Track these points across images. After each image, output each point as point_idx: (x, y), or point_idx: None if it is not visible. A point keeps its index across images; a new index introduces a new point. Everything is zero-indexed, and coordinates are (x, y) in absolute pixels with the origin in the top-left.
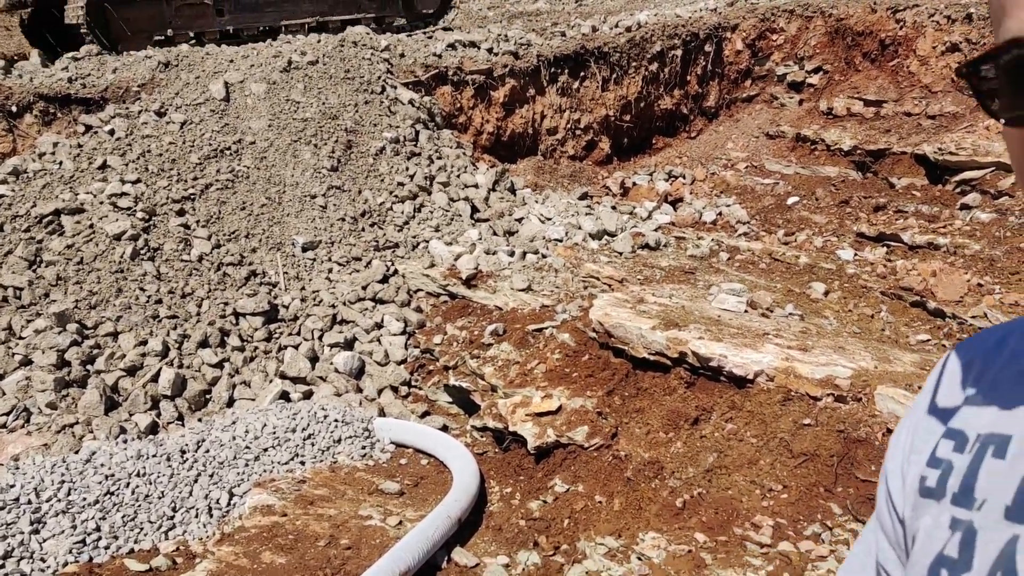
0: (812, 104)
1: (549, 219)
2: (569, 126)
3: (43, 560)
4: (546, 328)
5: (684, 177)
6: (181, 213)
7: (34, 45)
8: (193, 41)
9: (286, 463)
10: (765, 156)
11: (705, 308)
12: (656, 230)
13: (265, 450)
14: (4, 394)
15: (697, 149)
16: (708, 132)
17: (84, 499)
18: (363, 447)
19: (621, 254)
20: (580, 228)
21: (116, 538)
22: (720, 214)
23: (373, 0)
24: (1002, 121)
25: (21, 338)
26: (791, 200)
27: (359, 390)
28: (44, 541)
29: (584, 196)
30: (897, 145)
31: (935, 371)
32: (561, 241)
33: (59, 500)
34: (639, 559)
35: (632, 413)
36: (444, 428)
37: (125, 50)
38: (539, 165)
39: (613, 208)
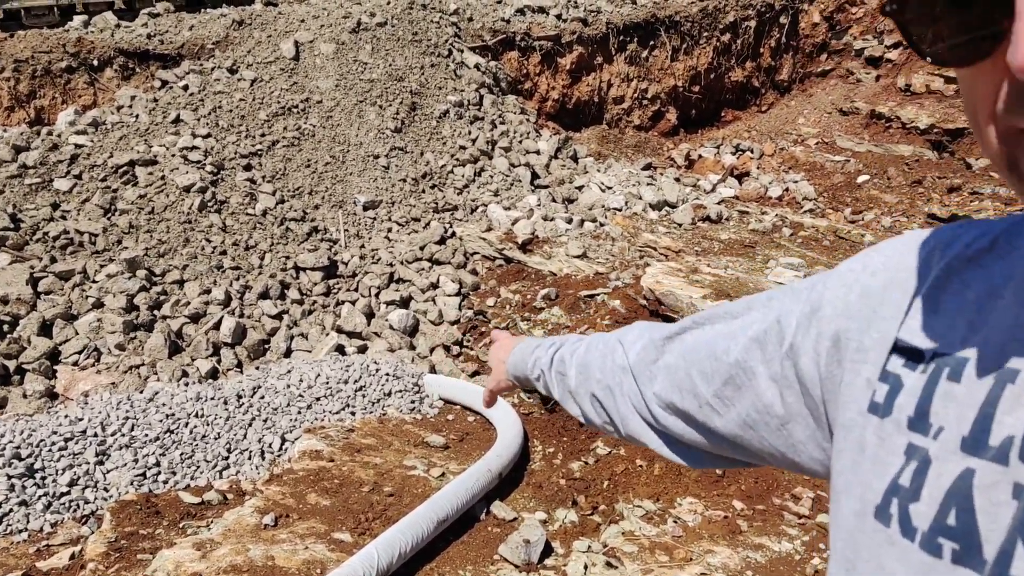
0: (889, 80)
1: (609, 188)
2: (636, 95)
3: (106, 490)
4: (598, 295)
5: (752, 151)
6: (248, 168)
7: None
8: None
9: (337, 412)
10: (837, 133)
11: (760, 280)
12: (719, 203)
13: (318, 399)
14: (77, 333)
15: (767, 123)
16: (779, 106)
17: (146, 435)
18: (412, 401)
19: (680, 225)
20: (640, 198)
21: (174, 473)
22: (787, 190)
23: None
24: (928, 59)
25: (95, 282)
26: (861, 178)
27: (412, 347)
28: (108, 472)
29: (648, 167)
30: None
31: (891, 255)
32: (620, 210)
33: (123, 435)
34: (675, 522)
35: None
36: None
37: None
38: (603, 134)
39: (676, 180)
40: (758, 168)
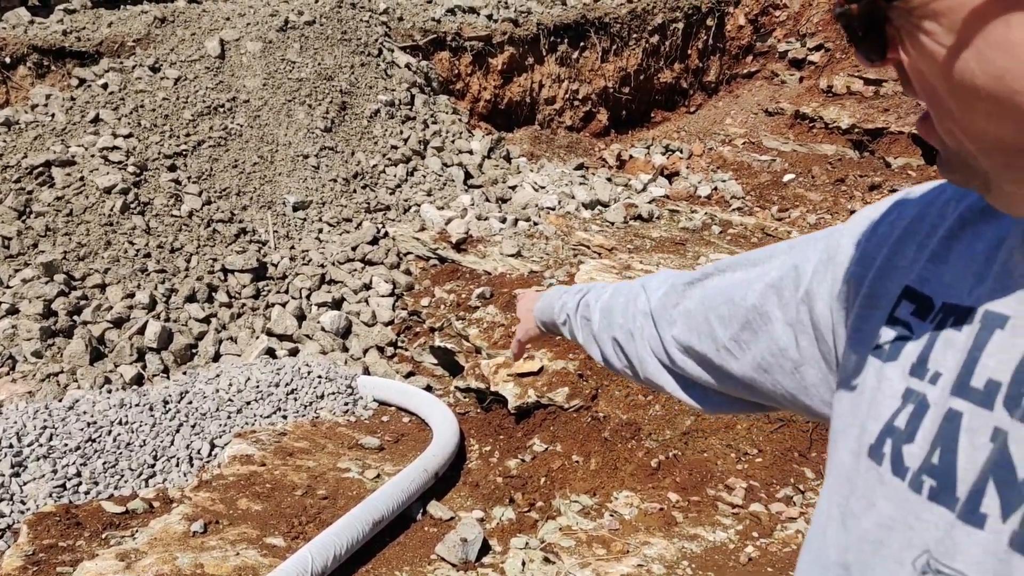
0: (812, 82)
1: (543, 187)
2: (567, 96)
3: (23, 503)
4: None
5: (681, 151)
6: (172, 169)
7: None
8: None
9: (268, 416)
10: (763, 133)
11: None
12: (650, 202)
13: (248, 403)
14: None
15: (696, 124)
16: (707, 107)
17: (66, 445)
18: (345, 403)
19: (613, 224)
20: (573, 197)
21: (96, 484)
22: (715, 189)
23: None
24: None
25: (8, 287)
26: (787, 177)
27: (345, 349)
28: (24, 484)
29: (580, 167)
30: (895, 124)
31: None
32: (554, 209)
33: (40, 445)
34: (611, 515)
35: (613, 376)
36: (428, 388)
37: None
38: (536, 135)
39: (608, 179)
40: (687, 168)
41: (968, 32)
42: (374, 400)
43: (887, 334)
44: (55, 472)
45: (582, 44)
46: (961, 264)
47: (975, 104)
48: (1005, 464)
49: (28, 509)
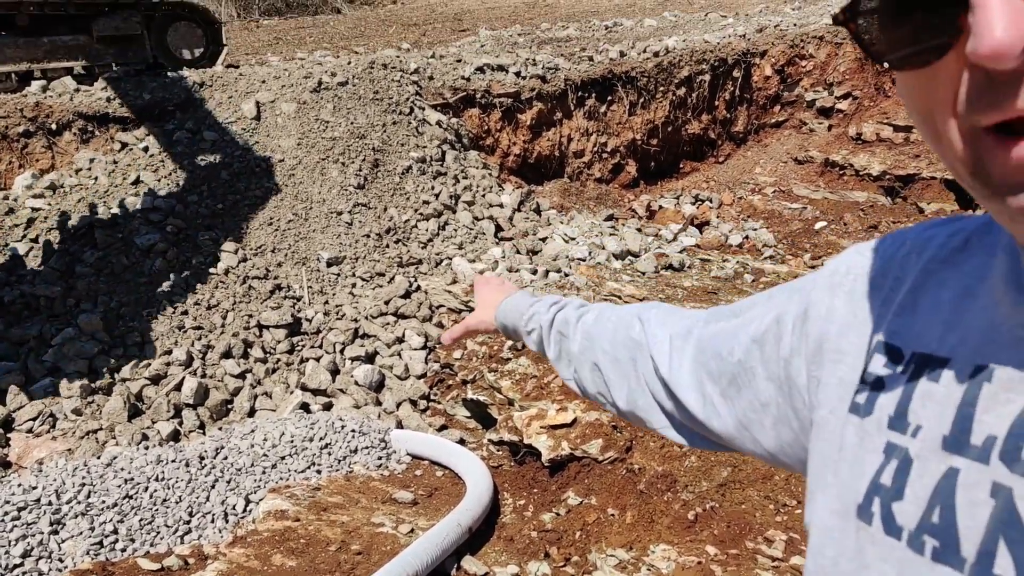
0: (841, 130)
1: (573, 239)
2: (596, 149)
3: (60, 560)
4: None
5: (711, 201)
6: (210, 228)
7: None
8: None
9: (302, 471)
10: (793, 181)
11: None
12: (681, 252)
13: (282, 458)
14: (32, 399)
15: (725, 174)
16: (736, 157)
17: (103, 502)
18: (379, 457)
19: (644, 274)
20: (604, 248)
21: (132, 540)
22: (747, 237)
23: (110, 45)
24: (886, 64)
25: (51, 346)
26: (819, 225)
27: (378, 403)
28: (63, 542)
29: (610, 218)
30: (926, 170)
31: (856, 262)
32: (584, 260)
33: (79, 502)
34: (648, 570)
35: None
36: (461, 441)
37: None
38: (565, 187)
39: (638, 230)
40: (717, 217)
41: None
42: (407, 454)
43: (863, 390)
44: (92, 530)
45: (609, 98)
46: (929, 314)
47: None
48: (1014, 523)
49: (66, 567)
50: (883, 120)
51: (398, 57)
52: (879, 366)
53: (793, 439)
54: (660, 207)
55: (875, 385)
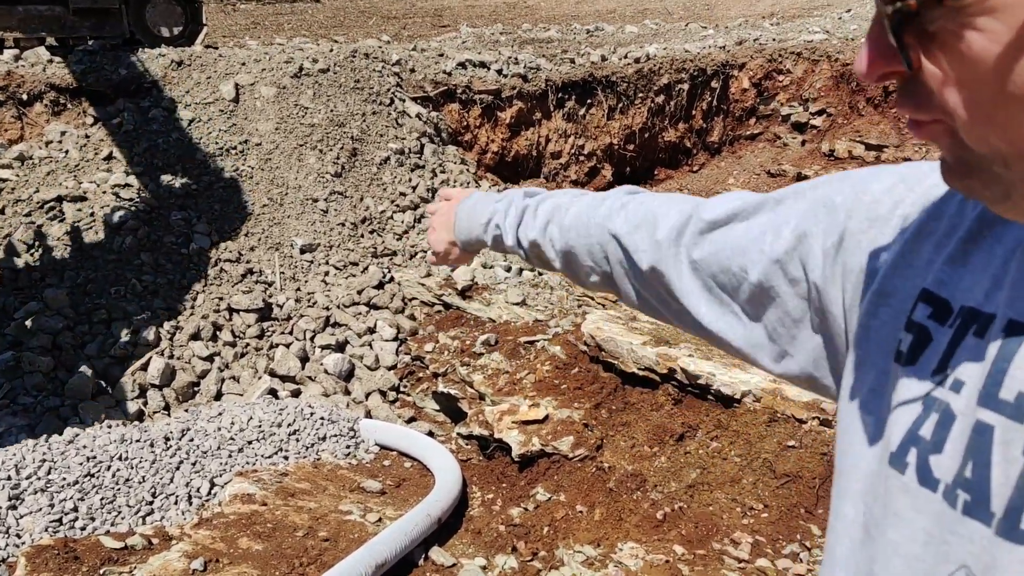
0: (814, 145)
1: None
2: (573, 151)
3: (18, 536)
4: (538, 341)
5: None
6: (183, 208)
7: None
8: None
9: (269, 456)
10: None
11: None
12: None
13: (249, 442)
14: None
15: (698, 182)
16: (710, 166)
17: (64, 479)
18: (347, 446)
19: None
20: None
21: (93, 519)
22: None
23: (86, 18)
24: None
25: (14, 319)
26: None
27: (347, 392)
28: (21, 517)
29: None
30: None
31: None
32: None
33: (39, 478)
34: (615, 567)
35: (618, 426)
36: (430, 434)
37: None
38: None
39: None
40: None
41: None
42: (376, 444)
43: (906, 337)
44: (52, 506)
45: (589, 101)
46: (980, 268)
47: None
48: None
49: (23, 542)
50: (856, 138)
51: (380, 48)
52: (924, 316)
53: (831, 352)
54: None
55: (920, 334)
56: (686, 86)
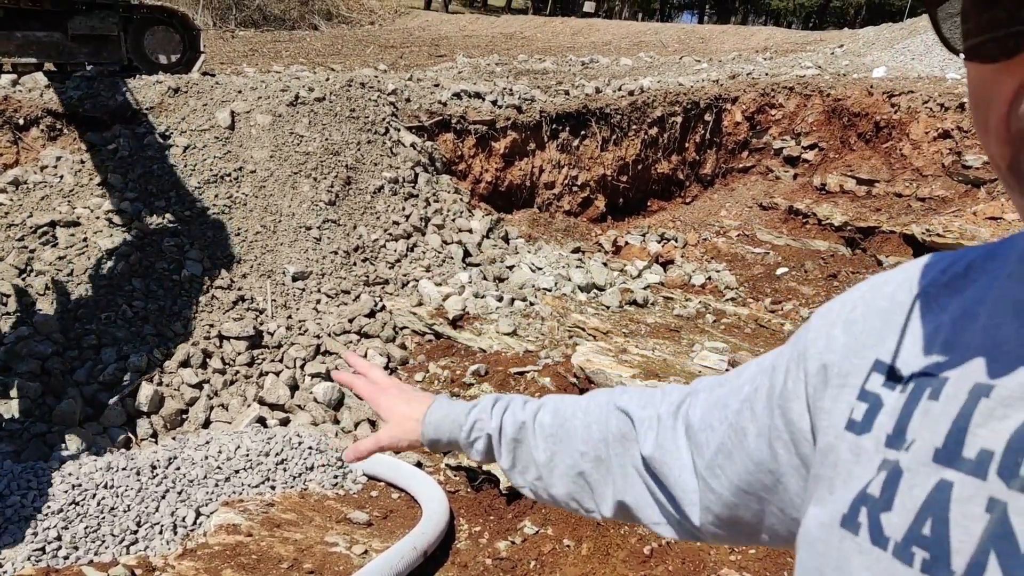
0: (806, 179)
1: (540, 269)
2: (566, 182)
3: (0, 565)
4: (528, 372)
5: (676, 240)
6: (175, 234)
7: None
8: None
9: (256, 486)
10: (757, 226)
11: (686, 363)
12: (645, 288)
13: (236, 472)
14: None
15: (691, 214)
16: (703, 199)
17: (48, 507)
18: (335, 476)
19: (608, 308)
20: (570, 280)
21: (76, 548)
22: (709, 279)
23: (85, 44)
24: (962, 56)
25: (3, 344)
26: (780, 271)
27: (336, 421)
28: (3, 547)
29: (576, 250)
30: (887, 224)
31: (865, 294)
32: (550, 291)
33: (23, 507)
34: None
35: None
36: (418, 465)
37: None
38: (534, 217)
39: (604, 264)
40: (682, 257)
41: None
42: (364, 474)
43: (859, 407)
44: (35, 535)
45: (583, 133)
46: (929, 336)
47: None
48: (1006, 536)
49: (5, 572)
50: (847, 172)
51: (376, 77)
52: (877, 385)
53: (802, 487)
54: (626, 243)
55: (873, 404)
56: (679, 119)
